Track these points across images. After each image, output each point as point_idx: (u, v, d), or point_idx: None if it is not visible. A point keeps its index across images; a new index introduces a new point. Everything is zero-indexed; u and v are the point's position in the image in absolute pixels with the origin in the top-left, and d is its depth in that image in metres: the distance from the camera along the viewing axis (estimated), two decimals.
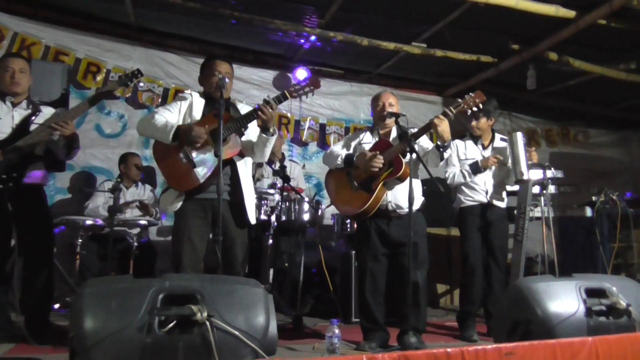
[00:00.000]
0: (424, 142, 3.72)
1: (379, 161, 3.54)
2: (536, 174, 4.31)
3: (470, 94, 3.57)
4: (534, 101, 7.05)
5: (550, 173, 4.35)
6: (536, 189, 4.36)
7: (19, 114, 3.56)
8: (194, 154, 3.22)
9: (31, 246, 3.59)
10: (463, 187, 4.30)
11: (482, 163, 4.21)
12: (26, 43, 5.32)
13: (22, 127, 3.51)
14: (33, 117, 3.56)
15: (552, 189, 4.49)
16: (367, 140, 3.80)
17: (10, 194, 3.43)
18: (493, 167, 4.25)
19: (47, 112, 3.64)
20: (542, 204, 4.38)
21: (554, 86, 6.56)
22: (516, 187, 4.39)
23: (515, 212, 4.32)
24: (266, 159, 3.66)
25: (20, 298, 3.63)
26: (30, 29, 5.38)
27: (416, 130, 3.54)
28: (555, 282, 2.73)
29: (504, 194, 4.37)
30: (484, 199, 4.26)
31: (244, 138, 3.38)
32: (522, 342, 2.36)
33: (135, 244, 4.74)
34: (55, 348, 3.32)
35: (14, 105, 3.57)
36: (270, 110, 3.20)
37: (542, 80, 5.89)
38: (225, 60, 3.48)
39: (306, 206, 5.07)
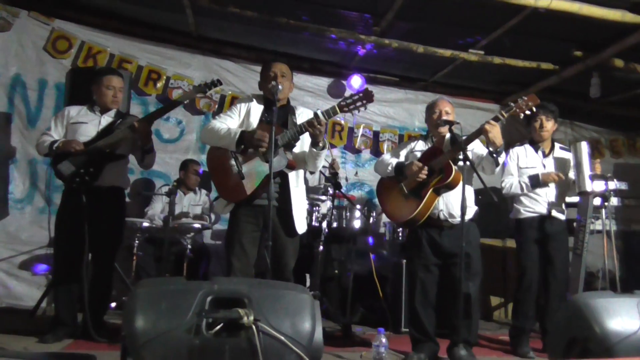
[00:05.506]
0: (478, 149, 3.64)
1: (424, 173, 3.49)
2: (598, 186, 4.11)
3: (523, 97, 3.43)
4: (598, 110, 6.76)
5: (613, 184, 4.13)
6: (597, 201, 4.16)
7: (106, 120, 3.83)
8: (244, 166, 3.23)
9: (101, 246, 3.77)
10: (522, 198, 4.14)
11: (543, 177, 4.05)
12: (92, 51, 5.55)
13: (106, 131, 3.75)
14: (117, 123, 3.80)
15: (615, 201, 4.27)
16: (420, 148, 3.75)
17: (88, 192, 3.59)
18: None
19: (130, 119, 3.86)
20: (604, 217, 4.20)
21: (619, 95, 6.27)
22: (576, 199, 4.22)
23: (575, 224, 4.15)
24: (318, 169, 3.67)
25: (81, 295, 3.77)
26: (97, 37, 5.61)
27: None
28: (616, 299, 2.58)
29: (564, 205, 4.20)
30: (544, 210, 4.09)
31: (296, 150, 3.36)
32: None
33: (189, 247, 4.85)
34: (109, 345, 3.44)
35: (102, 112, 3.83)
36: (319, 125, 3.14)
37: (606, 89, 5.65)
38: (283, 62, 3.46)
39: (358, 213, 5.05)
